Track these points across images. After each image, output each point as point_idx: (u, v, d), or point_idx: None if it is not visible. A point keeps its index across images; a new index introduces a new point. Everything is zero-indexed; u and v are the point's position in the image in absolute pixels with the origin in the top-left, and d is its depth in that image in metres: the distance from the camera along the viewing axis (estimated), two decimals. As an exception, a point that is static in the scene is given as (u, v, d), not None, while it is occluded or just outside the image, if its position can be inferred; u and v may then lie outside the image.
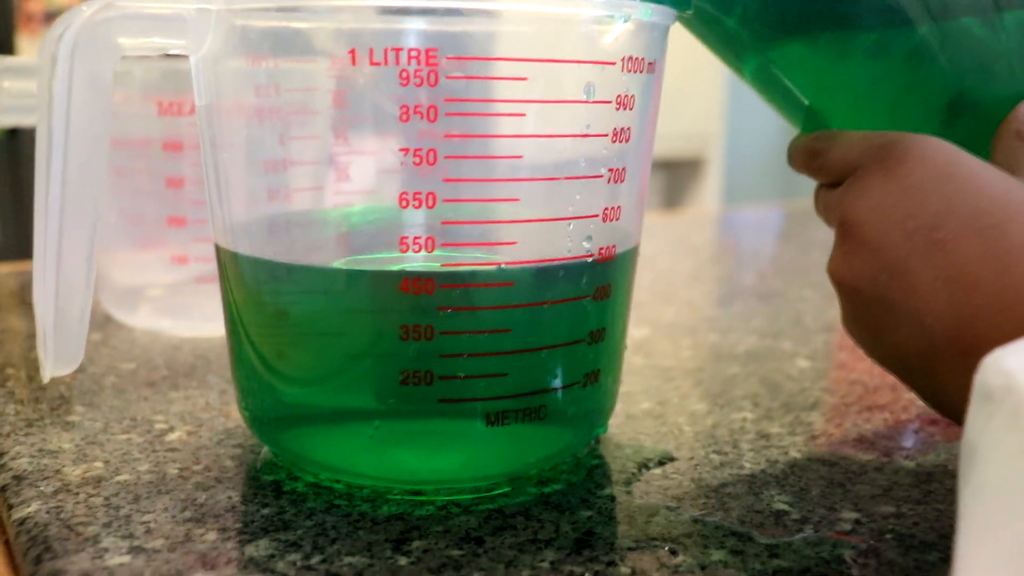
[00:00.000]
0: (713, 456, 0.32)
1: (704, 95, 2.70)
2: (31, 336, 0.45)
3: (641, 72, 0.28)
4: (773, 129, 3.06)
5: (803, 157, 0.31)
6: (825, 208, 0.31)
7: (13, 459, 0.31)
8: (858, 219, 0.27)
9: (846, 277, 0.28)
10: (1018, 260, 0.24)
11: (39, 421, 0.34)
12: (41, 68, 0.27)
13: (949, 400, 0.26)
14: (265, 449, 0.32)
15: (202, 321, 0.45)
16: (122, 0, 0.26)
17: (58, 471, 0.30)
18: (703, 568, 0.25)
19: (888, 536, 0.27)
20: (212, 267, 0.44)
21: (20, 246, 1.83)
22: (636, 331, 0.47)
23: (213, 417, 0.35)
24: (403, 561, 0.25)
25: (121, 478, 0.30)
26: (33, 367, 0.40)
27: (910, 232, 0.25)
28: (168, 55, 0.28)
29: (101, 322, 0.47)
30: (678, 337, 0.47)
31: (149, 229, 0.45)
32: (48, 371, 0.27)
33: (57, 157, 0.26)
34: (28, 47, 1.73)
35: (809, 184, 0.33)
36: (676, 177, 2.86)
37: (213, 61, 0.27)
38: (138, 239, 0.46)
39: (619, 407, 0.36)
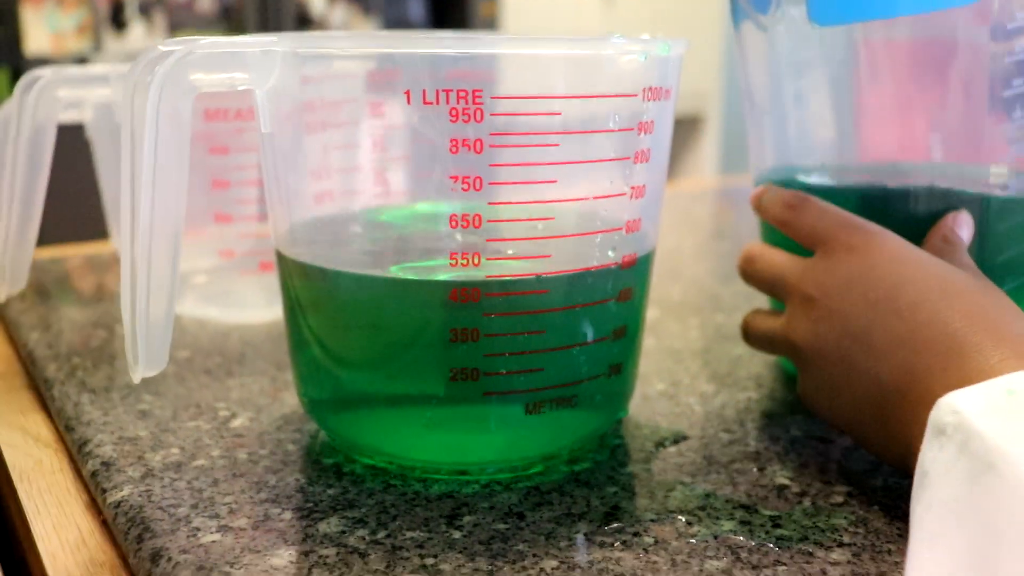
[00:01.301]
0: (722, 435, 0.36)
1: (701, 52, 2.70)
2: (89, 324, 0.49)
3: (659, 100, 0.31)
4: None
5: (778, 207, 0.36)
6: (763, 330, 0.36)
7: (98, 446, 0.35)
8: (828, 291, 0.32)
9: (813, 342, 0.32)
10: (961, 326, 0.28)
11: (113, 410, 0.38)
12: (124, 102, 0.30)
13: (897, 446, 0.30)
14: (321, 433, 0.36)
15: (245, 308, 0.48)
16: (201, 42, 0.29)
17: (140, 457, 0.34)
18: (715, 537, 0.29)
19: (876, 508, 0.31)
20: (254, 259, 0.48)
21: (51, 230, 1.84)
22: (648, 312, 0.51)
23: (269, 403, 0.38)
24: (457, 535, 0.29)
25: (198, 463, 0.33)
26: (96, 356, 0.44)
27: (872, 302, 0.31)
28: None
29: (150, 310, 0.50)
30: (685, 317, 0.51)
31: (195, 220, 0.48)
32: (139, 373, 0.31)
33: (146, 182, 0.30)
34: (33, 19, 1.74)
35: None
36: (675, 136, 2.88)
37: (276, 95, 0.31)
38: (185, 227, 0.50)
39: (636, 390, 0.40)
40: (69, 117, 0.51)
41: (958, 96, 0.39)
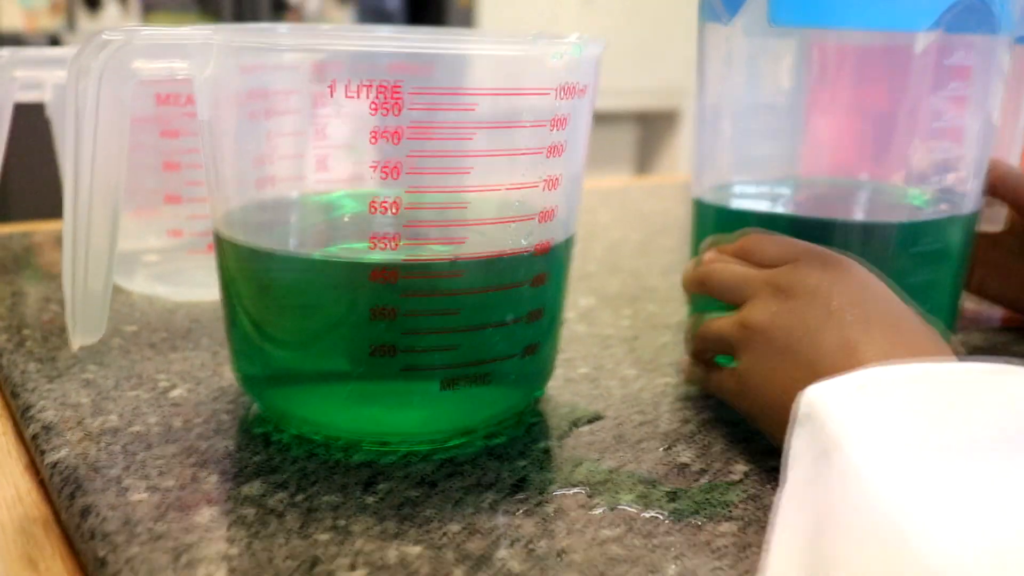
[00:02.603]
0: (635, 416, 0.38)
1: (679, 49, 2.73)
2: (42, 299, 0.50)
3: (572, 97, 0.33)
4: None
5: (735, 249, 0.39)
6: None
7: (40, 411, 0.36)
8: (795, 290, 0.35)
9: (767, 326, 0.35)
10: (900, 342, 0.32)
11: (58, 378, 0.40)
12: (69, 85, 0.32)
13: None
14: (255, 405, 0.37)
15: (194, 287, 0.50)
16: (142, 32, 0.31)
17: (80, 422, 0.36)
18: (613, 509, 0.31)
19: (769, 486, 0.33)
20: (203, 239, 0.49)
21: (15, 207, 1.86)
22: (583, 300, 0.53)
23: (208, 376, 0.40)
24: (370, 500, 0.31)
25: (134, 429, 0.35)
26: (47, 329, 0.46)
27: (831, 309, 0.34)
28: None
29: (103, 286, 0.52)
30: (619, 307, 0.53)
31: (146, 200, 0.50)
32: (77, 340, 0.32)
33: (86, 161, 0.31)
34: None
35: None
36: (650, 131, 2.91)
37: (214, 84, 0.32)
38: (136, 207, 0.51)
39: (559, 371, 0.42)
40: (31, 97, 0.52)
41: (893, 119, 0.42)
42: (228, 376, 0.40)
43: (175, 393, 0.39)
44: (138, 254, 0.52)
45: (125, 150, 0.32)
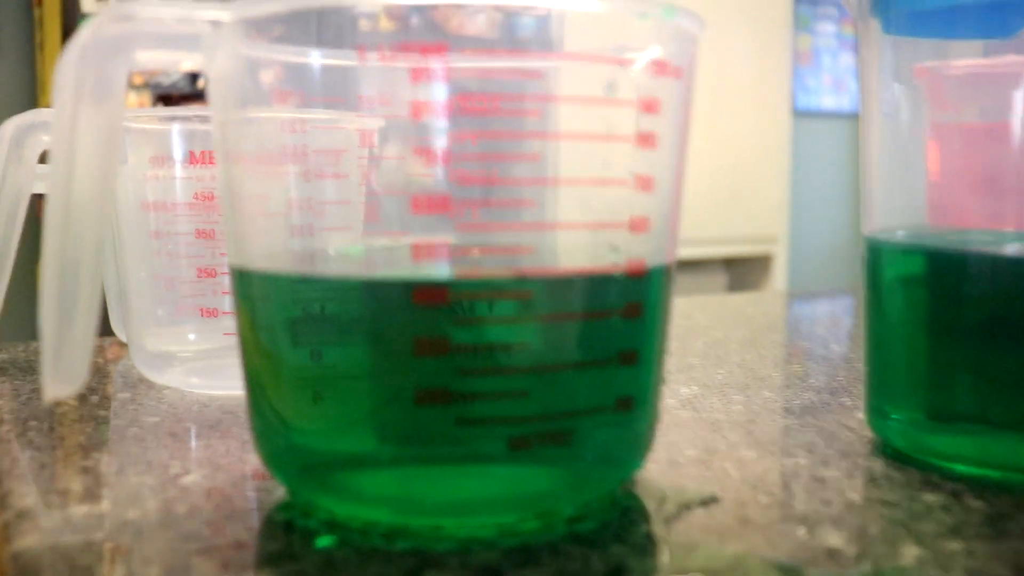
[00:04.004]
0: (761, 497, 0.30)
1: (769, 195, 2.70)
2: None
3: (665, 75, 0.26)
4: (836, 227, 3.03)
5: None
6: None
7: (20, 498, 0.30)
8: None
9: None
10: None
11: (52, 464, 0.33)
12: (54, 91, 0.26)
13: None
14: (281, 490, 0.30)
15: (234, 380, 0.44)
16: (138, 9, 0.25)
17: (63, 509, 0.29)
18: (746, 600, 0.23)
19: (954, 574, 0.24)
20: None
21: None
22: (684, 389, 0.45)
23: (231, 463, 0.33)
24: (414, 591, 0.23)
25: (127, 516, 0.28)
26: (56, 421, 0.39)
27: None
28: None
29: (133, 383, 0.46)
30: (729, 394, 0.44)
31: (182, 290, 0.45)
32: (51, 390, 0.26)
33: (61, 172, 0.26)
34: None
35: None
36: (739, 277, 2.83)
37: (226, 77, 0.27)
38: (173, 306, 0.46)
39: (660, 454, 0.34)
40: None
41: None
42: (254, 462, 0.33)
43: (187, 480, 0.31)
44: (174, 353, 0.46)
45: (115, 157, 0.26)
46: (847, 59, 3.22)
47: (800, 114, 3.09)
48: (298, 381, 0.27)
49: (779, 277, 2.77)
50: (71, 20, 1.86)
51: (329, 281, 0.27)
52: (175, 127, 0.44)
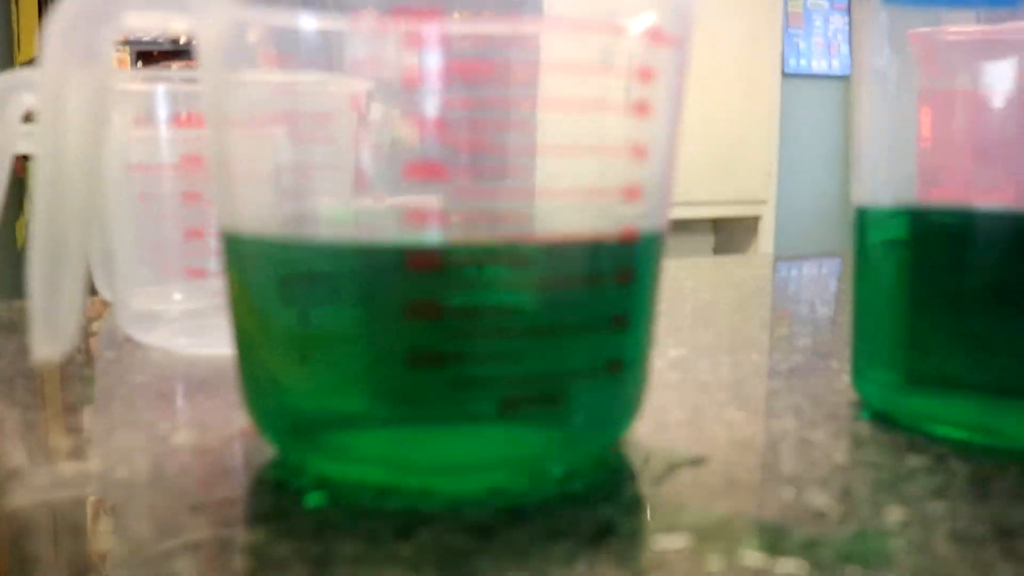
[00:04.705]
0: (749, 459, 0.30)
1: (758, 157, 2.70)
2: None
3: (661, 44, 0.26)
4: (824, 189, 3.04)
5: None
6: None
7: (9, 457, 0.30)
8: None
9: None
10: None
11: (40, 424, 0.33)
12: (41, 54, 0.26)
13: None
14: (271, 450, 0.30)
15: (220, 340, 0.43)
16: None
17: (52, 469, 0.29)
18: (731, 560, 0.23)
19: (939, 535, 0.25)
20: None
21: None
22: (673, 351, 0.45)
23: (221, 422, 0.33)
24: (405, 551, 0.23)
25: (117, 475, 0.28)
26: (43, 379, 0.39)
27: None
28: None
29: (119, 342, 0.46)
30: (717, 356, 0.45)
31: (168, 251, 0.44)
32: (40, 351, 0.26)
33: (49, 135, 0.25)
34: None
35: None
36: (730, 237, 2.84)
37: (217, 40, 0.26)
38: (159, 267, 0.46)
39: (649, 417, 0.34)
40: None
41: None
42: (243, 422, 0.33)
43: (176, 439, 0.31)
44: (160, 312, 0.46)
45: (104, 118, 0.26)
46: (838, 21, 3.20)
47: (790, 76, 3.08)
48: (290, 343, 0.27)
49: (766, 239, 2.78)
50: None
51: (322, 245, 0.27)
52: (160, 88, 0.44)
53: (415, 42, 0.23)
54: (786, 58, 3.07)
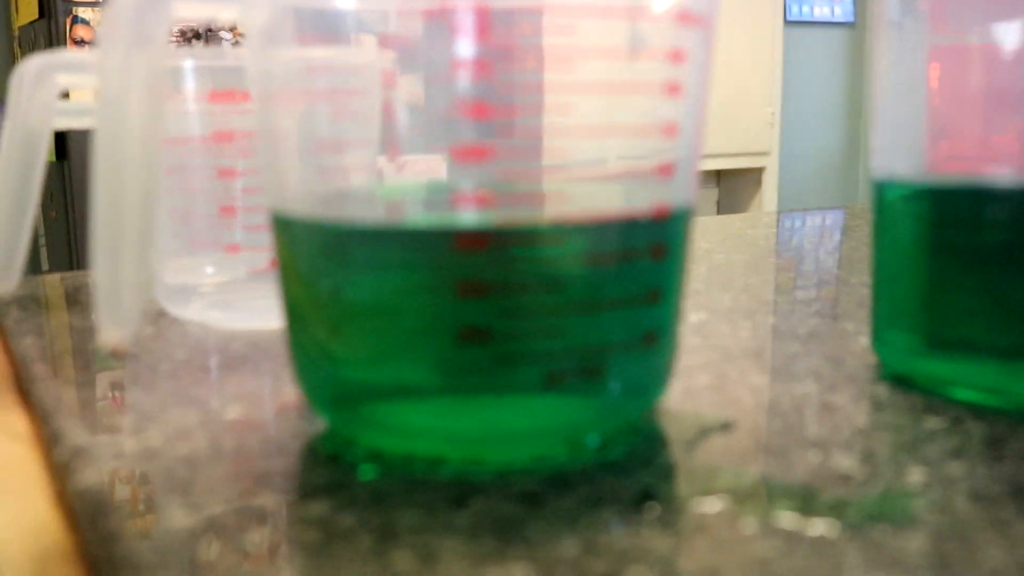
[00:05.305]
0: (775, 423, 0.32)
1: (760, 108, 2.69)
2: (87, 330, 0.46)
3: (691, 26, 0.27)
4: (828, 139, 3.03)
5: None
6: None
7: (73, 436, 0.31)
8: None
9: None
10: None
11: (96, 402, 0.34)
12: (99, 40, 0.27)
13: None
14: (321, 422, 0.32)
15: (254, 315, 0.45)
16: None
17: (116, 445, 0.30)
18: (765, 522, 0.24)
19: (960, 495, 0.26)
20: (264, 257, 0.44)
21: (72, 263, 1.90)
22: (693, 316, 0.47)
23: (269, 397, 0.35)
24: (461, 519, 0.25)
25: (178, 450, 0.30)
26: (88, 357, 0.41)
27: None
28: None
29: (154, 317, 0.47)
30: (736, 320, 0.46)
31: (201, 225, 0.46)
32: (107, 333, 0.27)
33: (110, 117, 0.27)
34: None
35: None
36: (734, 188, 2.84)
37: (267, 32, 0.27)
38: (191, 240, 0.47)
39: (677, 383, 0.35)
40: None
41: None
42: (291, 396, 0.35)
43: (229, 415, 0.33)
44: (194, 287, 0.48)
45: (160, 107, 0.27)
46: (840, -33, 3.18)
47: (792, 24, 3.06)
48: (341, 320, 0.28)
49: (770, 191, 2.78)
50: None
51: (374, 227, 0.28)
52: (188, 63, 0.45)
53: (456, 25, 0.25)
54: (788, 5, 3.05)
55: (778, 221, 0.91)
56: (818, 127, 3.11)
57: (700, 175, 0.31)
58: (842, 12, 3.18)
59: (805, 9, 3.13)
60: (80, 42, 2.04)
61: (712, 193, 2.85)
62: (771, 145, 2.77)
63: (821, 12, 3.15)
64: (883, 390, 0.35)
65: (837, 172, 3.09)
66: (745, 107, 2.71)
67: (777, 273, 0.60)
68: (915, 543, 0.23)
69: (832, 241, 0.79)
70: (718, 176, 2.83)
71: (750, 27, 2.73)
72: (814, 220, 0.91)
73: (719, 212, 2.86)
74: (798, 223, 0.89)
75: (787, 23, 2.98)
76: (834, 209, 0.99)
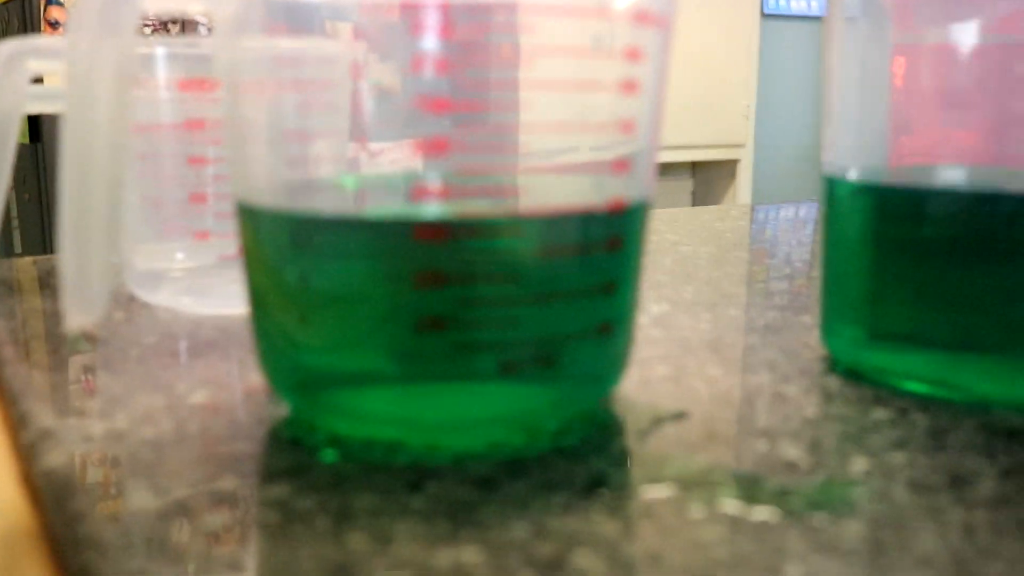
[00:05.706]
0: (727, 413, 0.33)
1: (736, 100, 2.70)
2: (53, 314, 0.46)
3: (648, 26, 0.28)
4: (803, 131, 3.05)
5: None
6: None
7: (40, 418, 0.32)
8: None
9: None
10: None
11: (64, 386, 0.35)
12: (68, 29, 0.28)
13: None
14: (284, 408, 0.32)
15: (222, 300, 0.45)
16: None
17: (82, 428, 0.31)
18: (711, 509, 0.25)
19: (900, 483, 0.27)
20: (233, 243, 0.45)
21: (45, 246, 1.90)
22: (655, 307, 0.48)
23: (234, 382, 0.35)
24: (416, 502, 0.25)
25: (143, 434, 0.30)
26: (57, 341, 0.41)
27: None
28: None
29: (124, 302, 0.48)
30: (698, 312, 0.47)
31: (171, 212, 0.46)
32: (73, 318, 0.28)
33: (77, 106, 0.27)
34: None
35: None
36: (708, 179, 2.86)
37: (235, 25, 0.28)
38: (161, 226, 0.47)
39: (634, 373, 0.36)
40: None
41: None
42: (257, 381, 0.35)
43: (194, 399, 0.34)
44: (164, 271, 0.48)
45: (129, 96, 0.28)
46: (817, -39, 3.20)
47: (769, 17, 3.08)
48: (303, 307, 0.29)
49: (744, 183, 2.80)
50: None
51: (334, 218, 0.29)
52: (160, 51, 0.45)
53: (415, 18, 0.25)
54: (765, -2, 3.07)
55: (751, 213, 0.92)
56: (794, 120, 3.13)
57: (665, 167, 0.32)
58: (819, 6, 3.20)
59: (782, 2, 3.14)
60: (55, 24, 2.02)
61: (687, 184, 2.86)
62: (746, 137, 2.79)
63: (798, 6, 3.17)
64: (834, 382, 0.36)
65: (812, 165, 3.12)
66: (721, 99, 2.73)
67: (743, 266, 0.61)
68: (853, 530, 0.24)
69: (803, 233, 0.80)
70: (693, 168, 2.85)
71: (727, 19, 2.74)
72: (787, 212, 0.92)
73: (694, 204, 2.88)
74: (771, 215, 0.91)
75: (764, 16, 3.00)
76: (808, 202, 1.00)
